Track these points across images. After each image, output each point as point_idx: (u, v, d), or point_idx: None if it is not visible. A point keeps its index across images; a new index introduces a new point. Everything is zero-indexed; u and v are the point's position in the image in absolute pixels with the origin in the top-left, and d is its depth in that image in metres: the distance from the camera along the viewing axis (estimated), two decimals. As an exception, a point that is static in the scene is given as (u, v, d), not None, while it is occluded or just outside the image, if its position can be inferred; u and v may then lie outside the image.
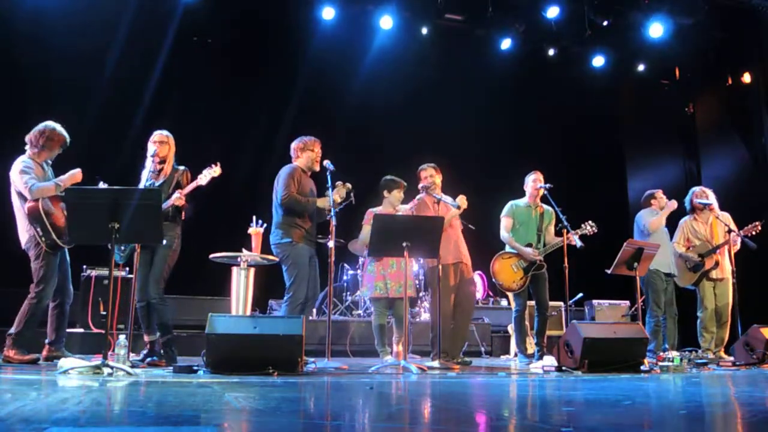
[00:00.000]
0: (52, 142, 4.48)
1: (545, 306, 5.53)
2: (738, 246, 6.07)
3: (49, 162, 4.57)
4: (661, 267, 6.01)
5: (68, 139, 4.57)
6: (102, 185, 4.46)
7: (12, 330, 4.31)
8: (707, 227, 6.28)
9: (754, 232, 6.02)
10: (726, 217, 6.21)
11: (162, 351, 4.53)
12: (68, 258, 4.60)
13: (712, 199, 6.30)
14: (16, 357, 4.25)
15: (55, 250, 4.36)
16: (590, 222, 5.58)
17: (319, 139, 5.05)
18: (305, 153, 4.99)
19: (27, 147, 4.48)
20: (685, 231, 6.32)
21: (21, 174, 4.32)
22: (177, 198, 4.48)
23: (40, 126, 4.49)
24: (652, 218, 6.12)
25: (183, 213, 4.63)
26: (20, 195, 4.38)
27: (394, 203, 5.30)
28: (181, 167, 4.71)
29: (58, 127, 4.53)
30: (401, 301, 5.05)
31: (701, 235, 6.25)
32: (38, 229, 4.27)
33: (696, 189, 6.46)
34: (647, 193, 6.46)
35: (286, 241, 4.78)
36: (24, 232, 4.39)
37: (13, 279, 5.49)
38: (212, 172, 4.64)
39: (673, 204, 6.17)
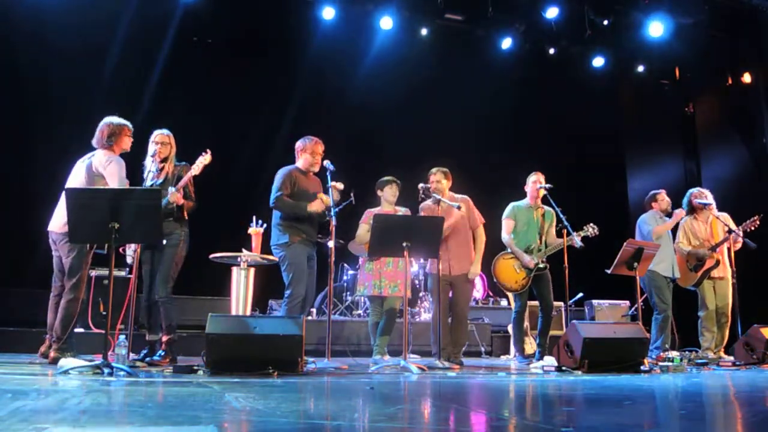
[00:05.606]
0: (118, 137, 4.39)
1: (550, 306, 5.52)
2: (739, 244, 6.07)
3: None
4: (662, 271, 5.98)
5: (130, 126, 4.49)
6: None
7: (60, 335, 4.15)
8: (707, 227, 6.27)
9: (753, 227, 6.01)
10: (725, 217, 6.20)
11: (163, 351, 4.53)
12: None
13: (710, 199, 6.29)
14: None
15: (90, 249, 4.32)
16: (592, 224, 5.59)
17: (320, 140, 5.06)
18: (304, 155, 5.01)
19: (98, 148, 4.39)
20: (686, 230, 6.31)
21: (117, 167, 4.27)
22: (173, 194, 4.43)
23: (102, 123, 4.40)
24: (657, 225, 6.07)
25: (185, 211, 4.59)
26: (96, 177, 4.27)
27: (389, 199, 5.29)
28: (182, 163, 4.72)
29: (116, 119, 4.43)
30: (393, 299, 5.12)
31: (701, 234, 6.25)
32: None
33: (694, 190, 6.44)
34: (650, 194, 6.39)
35: (282, 241, 4.82)
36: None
37: (13, 279, 5.52)
38: (203, 159, 4.63)
39: (681, 213, 6.13)
